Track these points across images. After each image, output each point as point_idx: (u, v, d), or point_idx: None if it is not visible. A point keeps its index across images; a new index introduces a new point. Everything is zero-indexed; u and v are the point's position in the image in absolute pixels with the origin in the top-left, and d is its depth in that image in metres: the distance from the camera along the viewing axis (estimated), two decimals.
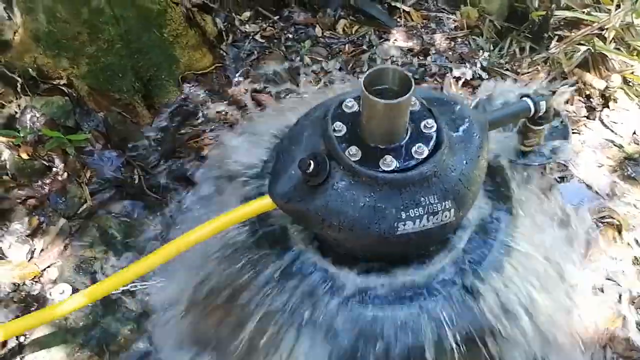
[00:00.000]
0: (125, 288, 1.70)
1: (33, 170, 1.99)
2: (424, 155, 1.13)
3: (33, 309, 1.78)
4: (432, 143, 1.15)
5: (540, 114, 1.43)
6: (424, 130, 1.16)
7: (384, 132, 1.12)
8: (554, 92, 2.44)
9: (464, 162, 1.18)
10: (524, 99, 1.41)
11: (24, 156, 1.98)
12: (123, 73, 2.25)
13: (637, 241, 2.13)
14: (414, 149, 1.14)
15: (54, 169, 2.03)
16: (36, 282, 1.86)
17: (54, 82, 2.14)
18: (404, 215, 1.13)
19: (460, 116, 1.23)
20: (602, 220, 2.21)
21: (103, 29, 2.12)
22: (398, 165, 1.12)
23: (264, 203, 1.22)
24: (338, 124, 1.16)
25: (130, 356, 1.77)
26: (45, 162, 2.02)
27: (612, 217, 2.22)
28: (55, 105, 2.09)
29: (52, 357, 1.65)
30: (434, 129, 1.16)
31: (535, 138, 1.60)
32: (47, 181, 2.02)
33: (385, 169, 1.11)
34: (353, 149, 1.12)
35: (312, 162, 1.08)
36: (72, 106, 2.14)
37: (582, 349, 1.87)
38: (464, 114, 1.23)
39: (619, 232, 2.18)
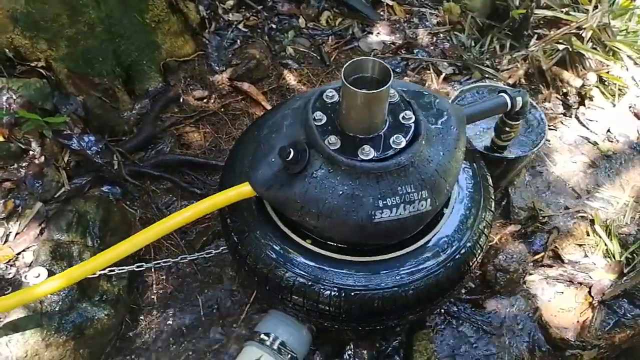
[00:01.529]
0: (102, 272, 1.70)
1: (9, 152, 1.96)
2: (402, 146, 1.15)
3: (7, 292, 1.77)
4: (410, 134, 1.17)
5: (516, 109, 1.45)
6: (402, 122, 1.18)
7: (363, 122, 1.13)
8: None
9: (441, 153, 1.20)
10: (501, 94, 1.43)
11: (0, 138, 1.95)
12: (103, 57, 2.22)
13: (608, 235, 2.19)
14: (392, 139, 1.15)
15: (31, 152, 2.00)
16: (11, 265, 1.84)
17: (32, 64, 2.10)
18: (381, 204, 1.15)
19: (438, 109, 1.25)
20: (576, 215, 2.27)
21: (83, 11, 2.08)
22: (376, 155, 1.14)
23: (244, 190, 1.22)
24: (318, 114, 1.17)
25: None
26: (21, 145, 1.99)
27: (585, 212, 2.28)
28: (33, 88, 2.05)
29: (27, 339, 1.64)
30: (412, 120, 1.18)
31: (511, 133, 1.63)
32: (24, 164, 1.99)
33: (364, 158, 1.13)
34: (332, 138, 1.14)
35: (292, 150, 1.10)
36: (50, 89, 2.11)
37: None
38: (442, 107, 1.25)
39: (592, 225, 2.24)
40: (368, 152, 1.14)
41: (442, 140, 1.22)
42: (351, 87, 1.04)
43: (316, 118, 1.17)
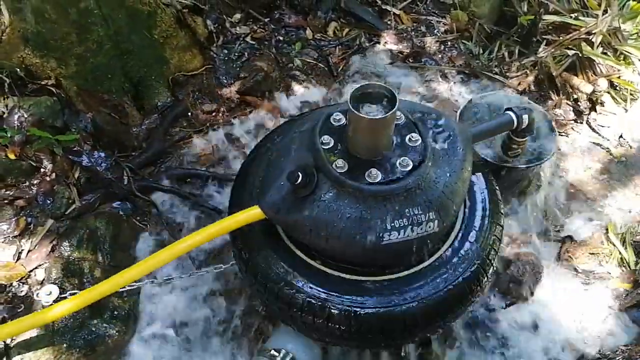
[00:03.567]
0: None
1: (20, 170, 1.99)
2: (409, 168, 1.15)
3: (20, 310, 1.78)
4: (416, 156, 1.17)
5: (523, 127, 1.45)
6: (408, 144, 1.18)
7: (369, 146, 1.14)
8: None
9: (448, 174, 1.20)
10: (507, 112, 1.43)
11: (12, 156, 1.97)
12: (112, 74, 2.24)
13: (623, 243, 2.16)
14: (398, 161, 1.16)
15: (42, 170, 2.03)
16: (23, 283, 1.85)
17: (42, 83, 2.13)
18: (389, 226, 1.16)
19: (444, 129, 1.25)
20: (590, 223, 2.25)
21: (92, 30, 2.11)
22: (383, 178, 1.14)
23: (254, 213, 1.24)
24: (326, 137, 1.18)
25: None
26: (33, 163, 2.01)
27: (599, 220, 2.26)
28: (44, 106, 2.08)
29: (39, 358, 1.66)
30: (419, 142, 1.18)
31: (518, 149, 1.62)
32: (35, 181, 2.01)
33: (371, 181, 1.14)
34: (340, 162, 1.15)
35: (300, 174, 1.10)
36: (60, 106, 2.13)
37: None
38: (448, 127, 1.26)
39: (606, 233, 2.21)
40: (375, 176, 1.14)
41: (448, 161, 1.22)
42: (357, 113, 1.05)
43: (323, 142, 1.18)
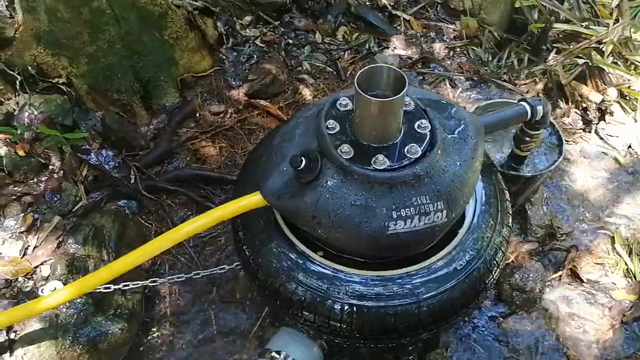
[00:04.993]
0: (117, 287, 1.70)
1: (29, 167, 1.99)
2: (417, 155, 1.13)
3: None
4: (425, 143, 1.15)
5: (537, 119, 1.42)
6: (417, 130, 1.16)
7: (376, 131, 1.12)
8: None
9: (458, 163, 1.18)
10: (521, 103, 1.40)
11: (21, 153, 1.98)
12: (122, 73, 2.25)
13: (629, 254, 2.12)
14: (406, 148, 1.13)
15: (50, 167, 2.03)
16: (29, 278, 1.85)
17: (53, 81, 2.15)
18: (395, 215, 1.13)
19: (455, 118, 1.23)
20: (596, 232, 2.21)
21: (104, 30, 2.13)
22: (390, 164, 1.12)
23: (255, 200, 1.21)
24: (331, 122, 1.16)
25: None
26: (41, 160, 2.02)
27: (605, 229, 2.22)
28: (54, 104, 2.10)
29: (42, 353, 1.64)
30: (428, 129, 1.16)
31: (531, 143, 1.58)
32: (43, 178, 2.02)
33: (377, 167, 1.11)
34: (345, 147, 1.12)
35: (303, 159, 1.08)
36: (70, 105, 2.15)
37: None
38: (459, 116, 1.23)
39: (612, 243, 2.18)
40: (382, 162, 1.12)
41: (458, 150, 1.19)
42: (365, 95, 1.03)
43: (329, 126, 1.16)
